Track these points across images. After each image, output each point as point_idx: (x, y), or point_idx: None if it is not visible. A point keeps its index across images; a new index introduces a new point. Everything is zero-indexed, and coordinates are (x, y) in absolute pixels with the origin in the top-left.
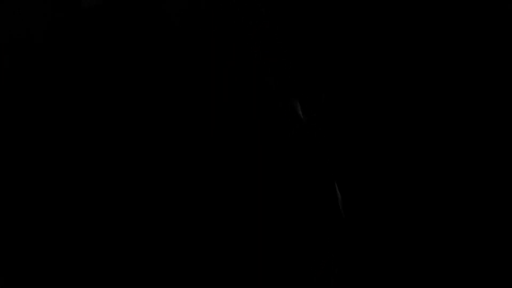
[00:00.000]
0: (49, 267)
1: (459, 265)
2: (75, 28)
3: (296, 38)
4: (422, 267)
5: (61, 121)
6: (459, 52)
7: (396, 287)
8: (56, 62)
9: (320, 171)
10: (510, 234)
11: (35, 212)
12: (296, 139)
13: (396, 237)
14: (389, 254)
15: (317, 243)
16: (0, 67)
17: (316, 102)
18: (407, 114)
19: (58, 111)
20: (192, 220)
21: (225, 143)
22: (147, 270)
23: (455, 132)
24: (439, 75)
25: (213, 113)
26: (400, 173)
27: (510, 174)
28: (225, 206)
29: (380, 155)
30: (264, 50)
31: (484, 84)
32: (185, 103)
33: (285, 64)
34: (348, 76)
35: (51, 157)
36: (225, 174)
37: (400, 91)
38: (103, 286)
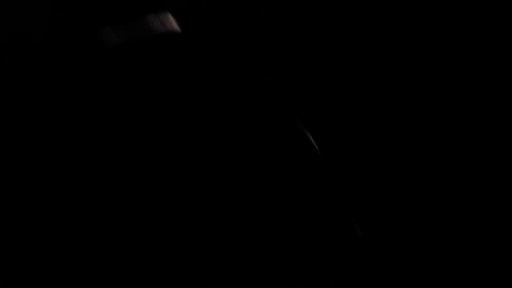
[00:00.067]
0: (49, 267)
1: (459, 266)
2: (75, 29)
3: (296, 38)
4: (423, 267)
5: (61, 121)
6: (459, 52)
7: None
8: (56, 62)
9: (320, 171)
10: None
11: (35, 212)
12: (296, 139)
13: (396, 237)
14: (389, 254)
15: (317, 243)
16: (0, 67)
17: (316, 102)
18: (407, 115)
19: (58, 111)
20: (192, 220)
21: (225, 143)
22: (147, 270)
23: (456, 134)
24: (439, 75)
25: (213, 113)
26: (400, 173)
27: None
28: (225, 206)
29: (380, 155)
30: (264, 50)
31: (484, 84)
32: (185, 103)
33: (285, 64)
34: (348, 76)
35: (51, 157)
36: (225, 174)
37: (400, 92)
38: (103, 286)
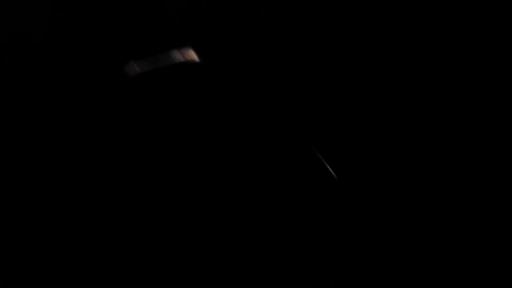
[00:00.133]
0: (49, 267)
1: (459, 266)
2: (75, 28)
3: (296, 38)
4: (423, 267)
5: (61, 120)
6: (459, 52)
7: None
8: (56, 62)
9: (320, 171)
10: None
11: (35, 212)
12: (296, 139)
13: (396, 237)
14: (390, 254)
15: (317, 243)
16: (0, 67)
17: (316, 102)
18: (407, 115)
19: (58, 111)
20: (192, 220)
21: (225, 143)
22: (147, 270)
23: (456, 134)
24: (439, 75)
25: (213, 112)
26: (399, 173)
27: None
28: (225, 206)
29: (380, 155)
30: (264, 50)
31: (484, 84)
32: (185, 102)
33: (285, 64)
34: (348, 76)
35: (51, 157)
36: (225, 174)
37: (400, 91)
38: (103, 286)
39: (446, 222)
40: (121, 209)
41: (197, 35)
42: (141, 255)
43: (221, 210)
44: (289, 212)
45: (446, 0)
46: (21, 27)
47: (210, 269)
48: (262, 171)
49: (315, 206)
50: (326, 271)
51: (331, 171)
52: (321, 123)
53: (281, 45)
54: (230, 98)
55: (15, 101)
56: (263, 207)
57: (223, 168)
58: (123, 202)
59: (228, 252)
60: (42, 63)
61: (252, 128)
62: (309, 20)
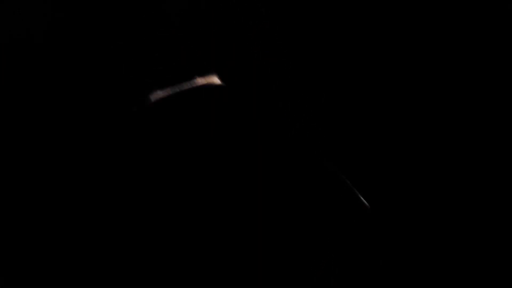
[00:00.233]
0: (49, 267)
1: (459, 266)
2: (75, 28)
3: (296, 38)
4: (423, 267)
5: (61, 120)
6: (459, 52)
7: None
8: (56, 62)
9: (320, 170)
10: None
11: (35, 212)
12: (296, 139)
13: (397, 237)
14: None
15: (317, 243)
16: (0, 67)
17: (316, 102)
18: (407, 115)
19: (58, 111)
20: (192, 220)
21: (225, 143)
22: (147, 270)
23: (456, 134)
24: (439, 75)
25: (213, 112)
26: (400, 172)
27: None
28: (225, 206)
29: (380, 155)
30: (264, 50)
31: (484, 84)
32: (185, 102)
33: (285, 64)
34: (348, 76)
35: (51, 156)
36: (225, 174)
37: (400, 91)
38: (103, 286)
39: (446, 222)
40: (120, 208)
41: (197, 35)
42: (141, 255)
43: (221, 210)
44: (289, 211)
45: (446, 0)
46: (21, 27)
47: (210, 269)
48: (262, 171)
49: (315, 206)
50: (326, 271)
51: (331, 171)
52: (321, 123)
53: (281, 45)
54: (230, 98)
55: (15, 101)
56: (263, 207)
57: (223, 168)
58: (122, 201)
59: (228, 252)
60: (42, 63)
61: (252, 128)
62: (309, 20)
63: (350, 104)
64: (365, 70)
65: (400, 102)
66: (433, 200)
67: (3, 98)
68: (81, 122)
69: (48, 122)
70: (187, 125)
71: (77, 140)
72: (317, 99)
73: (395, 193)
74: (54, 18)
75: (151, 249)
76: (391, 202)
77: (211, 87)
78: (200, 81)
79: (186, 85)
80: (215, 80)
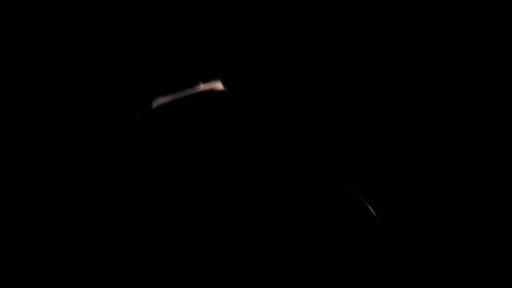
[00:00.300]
0: (49, 267)
1: (459, 266)
2: (75, 28)
3: (296, 38)
4: (423, 267)
5: (61, 120)
6: (459, 52)
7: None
8: (56, 62)
9: (320, 171)
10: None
11: (35, 212)
12: (296, 139)
13: (397, 238)
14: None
15: (317, 243)
16: (0, 67)
17: (316, 102)
18: (407, 114)
19: (58, 111)
20: (192, 220)
21: (225, 143)
22: (147, 270)
23: (456, 134)
24: (439, 75)
25: (214, 119)
26: (400, 172)
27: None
28: (225, 206)
29: (379, 155)
30: (264, 50)
31: (484, 84)
32: (185, 102)
33: (285, 64)
34: (348, 76)
35: (51, 156)
36: (225, 174)
37: (400, 91)
38: (103, 286)
39: (446, 221)
40: (120, 208)
41: (197, 35)
42: (141, 255)
43: (221, 210)
44: (289, 211)
45: (446, 0)
46: (21, 27)
47: (210, 269)
48: (262, 171)
49: (315, 206)
50: (326, 271)
51: (331, 171)
52: (321, 123)
53: (281, 45)
54: (230, 98)
55: (15, 101)
56: (263, 207)
57: (223, 168)
58: (122, 201)
59: (228, 252)
60: (42, 63)
61: (252, 128)
62: (309, 20)
63: (350, 104)
64: (365, 70)
65: (400, 102)
66: (432, 199)
67: (3, 98)
68: (81, 122)
69: (48, 122)
70: (189, 131)
71: (77, 141)
72: (317, 99)
73: (395, 192)
74: (54, 18)
75: (152, 250)
76: (390, 201)
77: (213, 93)
78: (203, 86)
79: (188, 91)
80: (218, 85)
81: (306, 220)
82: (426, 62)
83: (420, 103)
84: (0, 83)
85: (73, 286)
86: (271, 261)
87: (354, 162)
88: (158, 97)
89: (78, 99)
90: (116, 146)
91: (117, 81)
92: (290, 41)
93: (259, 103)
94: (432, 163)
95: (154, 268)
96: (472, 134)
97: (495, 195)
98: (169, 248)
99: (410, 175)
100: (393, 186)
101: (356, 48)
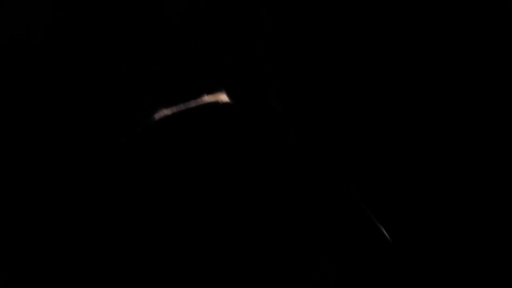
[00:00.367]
0: (49, 267)
1: (459, 266)
2: (75, 28)
3: (296, 38)
4: (423, 267)
5: (61, 120)
6: (459, 52)
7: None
8: (56, 62)
9: (320, 171)
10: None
11: (35, 212)
12: (296, 139)
13: (397, 237)
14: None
15: (317, 243)
16: (0, 67)
17: (316, 102)
18: (407, 114)
19: (58, 111)
20: (192, 220)
21: (225, 143)
22: (147, 270)
23: (456, 134)
24: (439, 75)
25: (217, 131)
26: (400, 172)
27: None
28: (226, 206)
29: (379, 155)
30: (264, 50)
31: (484, 84)
32: (176, 92)
33: (285, 64)
34: (348, 76)
35: (51, 156)
36: (225, 175)
37: (400, 91)
38: (103, 286)
39: (446, 221)
40: (120, 208)
41: (197, 35)
42: (142, 255)
43: (222, 210)
44: (289, 211)
45: (446, 0)
46: (21, 27)
47: (210, 269)
48: (262, 171)
49: (315, 206)
50: (326, 271)
51: (331, 171)
52: (321, 123)
53: (281, 45)
54: (230, 98)
55: (15, 101)
56: (264, 207)
57: (223, 169)
58: (123, 201)
59: (229, 252)
60: (42, 63)
61: (252, 128)
62: (309, 20)
63: (350, 104)
64: (365, 70)
65: (400, 102)
66: (432, 198)
67: (3, 98)
68: (81, 122)
69: (48, 122)
70: (191, 143)
71: (77, 142)
72: (317, 99)
73: (395, 192)
74: (54, 18)
75: (153, 250)
76: (389, 201)
77: (217, 105)
78: (207, 98)
79: (192, 103)
80: (223, 97)
81: (306, 220)
82: (426, 62)
83: (420, 103)
84: (0, 83)
85: (73, 286)
86: (271, 261)
87: (354, 162)
88: (161, 109)
89: (78, 99)
90: (117, 159)
91: (117, 81)
92: (290, 41)
93: (263, 114)
94: (432, 163)
95: (154, 268)
96: (473, 134)
97: (495, 195)
98: (171, 254)
99: (410, 175)
100: (393, 186)
101: (356, 48)
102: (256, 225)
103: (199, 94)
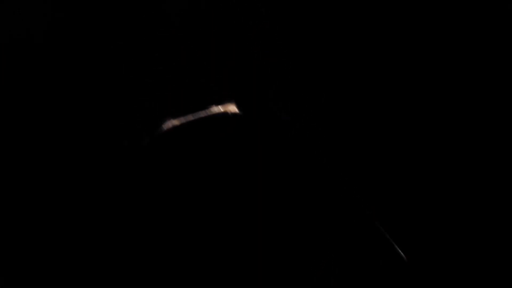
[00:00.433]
0: (49, 267)
1: (459, 266)
2: (75, 28)
3: (296, 38)
4: (423, 267)
5: (61, 120)
6: (459, 52)
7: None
8: (56, 62)
9: (320, 171)
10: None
11: (35, 212)
12: (296, 139)
13: (397, 237)
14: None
15: (317, 243)
16: (0, 67)
17: (316, 102)
18: (407, 114)
19: (58, 111)
20: (192, 220)
21: (225, 143)
22: (147, 270)
23: (456, 134)
24: (439, 75)
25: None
26: (401, 172)
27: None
28: (226, 206)
29: (379, 155)
30: (264, 50)
31: (484, 84)
32: (185, 102)
33: (285, 64)
34: (348, 76)
35: (51, 156)
36: (225, 175)
37: (400, 91)
38: (103, 286)
39: (446, 221)
40: (121, 208)
41: (197, 35)
42: (142, 255)
43: (222, 210)
44: (289, 211)
45: (446, 0)
46: (21, 27)
47: (210, 269)
48: (262, 171)
49: (315, 206)
50: (326, 271)
51: (331, 171)
52: (321, 123)
53: (281, 45)
54: (230, 98)
55: (15, 101)
56: (264, 207)
57: (223, 169)
58: (123, 202)
59: (229, 252)
60: (42, 63)
61: (252, 128)
62: (309, 20)
63: (350, 104)
64: (365, 70)
65: (400, 101)
66: (432, 198)
67: (3, 98)
68: (81, 122)
69: (48, 122)
70: (199, 154)
71: (76, 142)
72: (317, 99)
73: (395, 192)
74: (54, 18)
75: (154, 250)
76: (389, 201)
77: (226, 116)
78: (216, 109)
79: (201, 114)
80: (232, 108)
81: (307, 221)
82: (426, 62)
83: (420, 103)
84: (0, 83)
85: (73, 286)
86: (271, 261)
87: (354, 162)
88: (169, 119)
89: (78, 99)
90: (121, 163)
91: (117, 81)
92: (290, 41)
93: (267, 124)
94: (431, 163)
95: (154, 268)
96: (472, 134)
97: (495, 196)
98: (171, 249)
99: (410, 174)
100: (392, 186)
101: (355, 48)
102: (256, 225)
103: (199, 94)
